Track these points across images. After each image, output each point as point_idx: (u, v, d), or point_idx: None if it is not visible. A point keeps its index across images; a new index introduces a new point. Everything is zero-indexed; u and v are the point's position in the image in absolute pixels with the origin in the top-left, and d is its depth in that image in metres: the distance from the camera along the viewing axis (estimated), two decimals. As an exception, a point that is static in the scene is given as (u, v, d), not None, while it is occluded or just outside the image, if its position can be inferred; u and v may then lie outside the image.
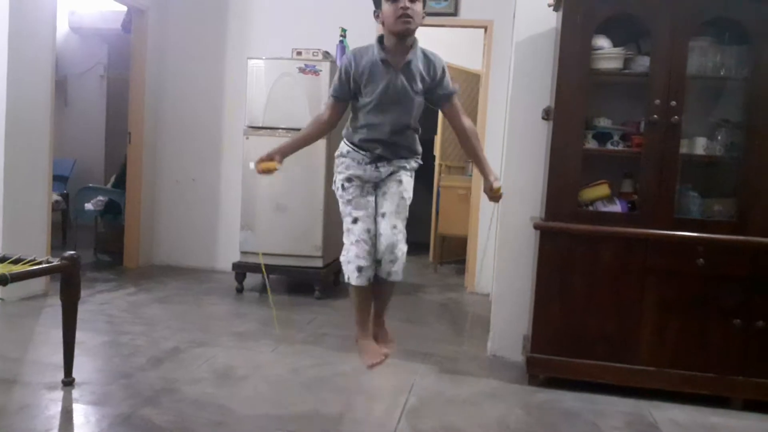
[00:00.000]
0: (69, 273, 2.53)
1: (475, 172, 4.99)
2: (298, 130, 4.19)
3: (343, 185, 2.24)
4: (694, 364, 2.73)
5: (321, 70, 4.32)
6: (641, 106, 2.82)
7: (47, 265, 2.49)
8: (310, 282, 4.45)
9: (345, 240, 2.23)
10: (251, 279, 4.63)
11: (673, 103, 2.73)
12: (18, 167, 3.87)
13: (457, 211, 5.56)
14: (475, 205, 4.94)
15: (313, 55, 4.42)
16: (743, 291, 2.70)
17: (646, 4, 2.76)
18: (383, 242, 2.17)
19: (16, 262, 2.49)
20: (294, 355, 3.15)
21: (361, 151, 2.22)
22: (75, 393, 2.52)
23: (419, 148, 2.31)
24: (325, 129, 2.32)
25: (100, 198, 5.55)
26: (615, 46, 2.90)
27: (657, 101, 2.75)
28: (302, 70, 4.34)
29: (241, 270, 4.48)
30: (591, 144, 2.93)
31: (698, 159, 2.90)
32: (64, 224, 6.03)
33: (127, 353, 3.03)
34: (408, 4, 2.04)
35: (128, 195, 5.22)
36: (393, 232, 2.17)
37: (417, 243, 4.79)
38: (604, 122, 2.98)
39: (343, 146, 2.28)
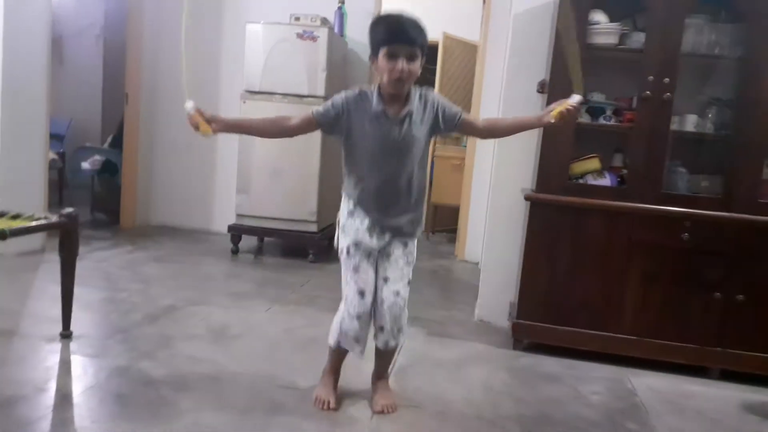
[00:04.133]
0: (68, 230, 2.57)
1: (470, 143, 5.04)
2: (295, 96, 4.33)
3: (348, 250, 2.14)
4: (675, 335, 2.82)
5: (319, 36, 4.31)
6: (635, 82, 2.85)
7: (46, 221, 2.54)
8: (304, 246, 4.52)
9: (344, 303, 2.16)
10: (246, 241, 4.70)
11: (666, 80, 2.77)
12: (15, 125, 3.88)
13: (450, 181, 5.62)
14: (468, 175, 5.00)
15: (311, 21, 4.41)
16: (726, 265, 2.77)
17: (644, -20, 2.78)
18: (386, 310, 2.12)
19: (15, 217, 2.52)
20: (287, 315, 3.23)
21: (364, 213, 2.13)
22: (73, 345, 2.59)
23: (422, 219, 2.22)
24: (282, 134, 2.16)
25: (97, 157, 5.56)
26: (611, 21, 2.92)
27: (650, 77, 2.78)
28: (300, 36, 4.33)
29: (236, 232, 4.55)
30: (584, 118, 2.97)
31: (688, 136, 2.95)
32: (60, 183, 6.06)
33: (125, 309, 3.11)
34: (405, 66, 1.93)
35: (125, 155, 5.24)
36: (396, 299, 2.11)
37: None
38: (597, 97, 3.02)
39: (347, 204, 2.18)
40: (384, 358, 2.30)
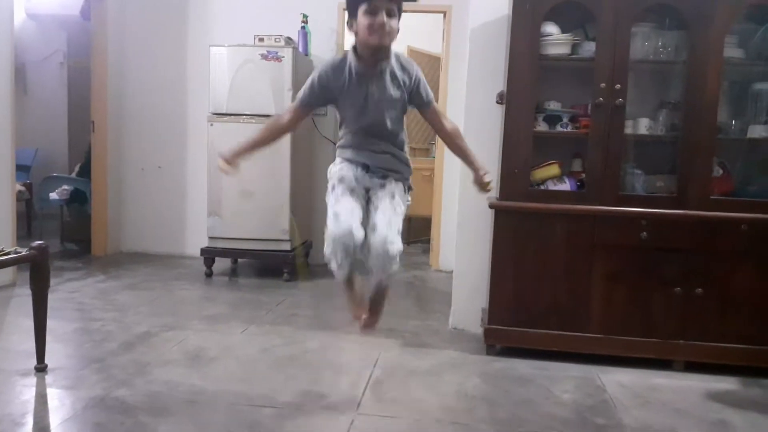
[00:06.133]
0: (38, 262, 2.57)
1: (439, 154, 5.12)
2: (262, 116, 4.37)
3: (333, 187, 2.20)
4: (639, 331, 2.92)
5: (283, 57, 4.37)
6: (588, 90, 2.96)
7: (16, 255, 2.54)
8: (278, 265, 4.54)
9: (327, 234, 2.17)
10: (220, 263, 4.71)
11: (618, 86, 2.88)
12: (-20, 158, 3.86)
13: (422, 193, 5.66)
14: (439, 186, 5.09)
15: (275, 41, 4.47)
16: (683, 261, 2.88)
17: (591, -8, 2.89)
18: (374, 255, 2.12)
19: (-16, 253, 2.53)
20: (264, 336, 3.25)
21: (348, 153, 2.21)
22: (48, 378, 2.59)
23: (409, 168, 2.29)
24: (282, 134, 2.30)
25: (65, 187, 5.53)
26: (563, 32, 3.03)
27: (602, 84, 2.89)
28: (264, 57, 4.39)
29: (209, 255, 4.56)
30: (542, 126, 3.07)
31: (642, 138, 3.07)
32: (28, 214, 5.99)
33: (99, 339, 3.10)
34: (386, 20, 1.98)
35: (94, 183, 5.22)
36: (383, 242, 2.09)
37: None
38: (554, 105, 3.13)
39: (337, 159, 2.27)
40: (375, 294, 2.30)
